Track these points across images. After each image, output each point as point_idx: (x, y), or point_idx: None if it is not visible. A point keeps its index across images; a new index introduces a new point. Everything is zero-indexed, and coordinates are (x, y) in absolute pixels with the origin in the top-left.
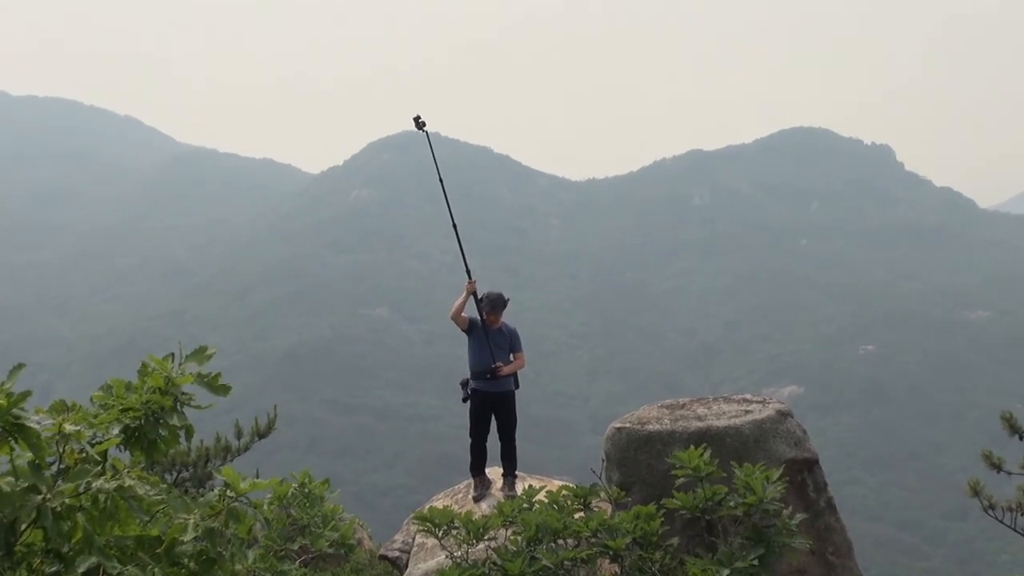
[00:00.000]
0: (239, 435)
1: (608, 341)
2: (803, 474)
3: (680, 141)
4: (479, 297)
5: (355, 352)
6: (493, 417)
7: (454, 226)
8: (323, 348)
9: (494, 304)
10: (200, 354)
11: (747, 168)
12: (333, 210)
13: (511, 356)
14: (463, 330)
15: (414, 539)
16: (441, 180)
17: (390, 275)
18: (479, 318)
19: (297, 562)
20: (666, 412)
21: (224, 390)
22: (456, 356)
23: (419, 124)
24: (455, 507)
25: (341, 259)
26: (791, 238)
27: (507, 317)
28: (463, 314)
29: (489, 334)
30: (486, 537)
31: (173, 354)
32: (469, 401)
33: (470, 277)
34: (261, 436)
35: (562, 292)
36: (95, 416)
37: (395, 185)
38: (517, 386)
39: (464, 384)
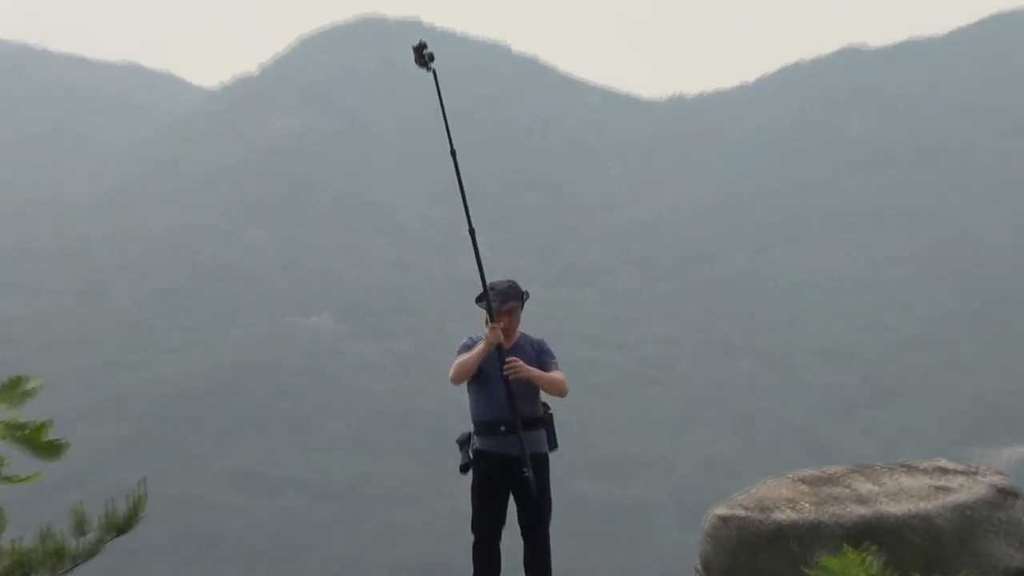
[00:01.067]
0: (81, 529)
1: (705, 369)
2: None
3: (826, 35)
4: (484, 294)
5: (279, 389)
6: (511, 498)
7: (469, 223)
8: (226, 383)
9: (505, 296)
10: (14, 389)
11: (941, 69)
12: (243, 150)
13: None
14: (468, 378)
15: None
16: (452, 148)
17: (338, 261)
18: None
19: None
20: (805, 490)
21: (55, 451)
22: (447, 398)
23: (423, 56)
24: None
25: (256, 234)
26: None
27: (532, 329)
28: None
29: (502, 358)
30: None
31: None
32: (472, 471)
33: (491, 316)
34: (119, 531)
35: (627, 289)
36: None
37: (346, 108)
38: (553, 446)
39: (463, 443)
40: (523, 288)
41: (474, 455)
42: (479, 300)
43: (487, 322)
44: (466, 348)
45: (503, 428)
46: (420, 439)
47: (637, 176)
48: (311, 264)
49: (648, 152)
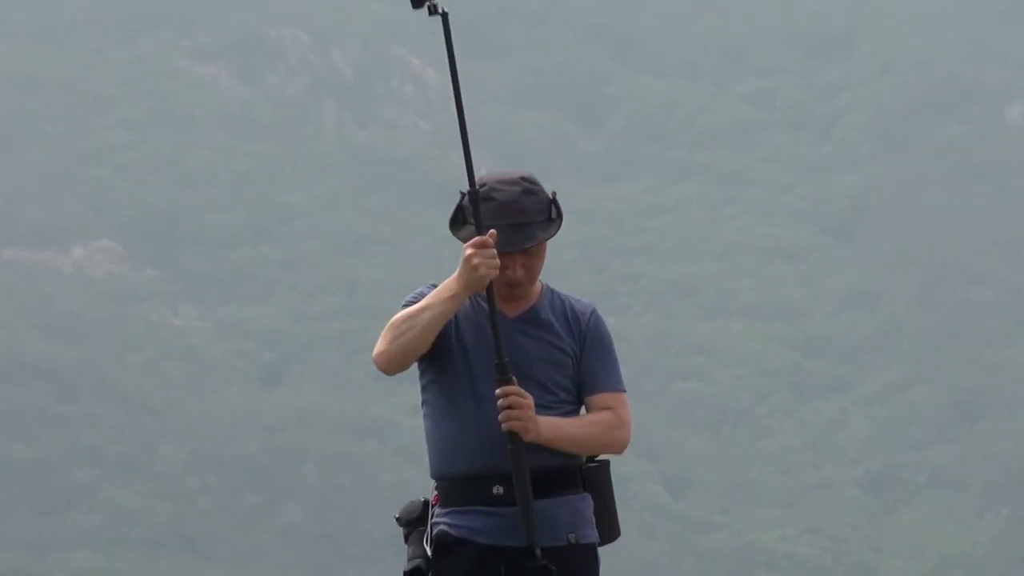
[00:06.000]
0: None
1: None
2: None
3: None
4: (467, 203)
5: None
6: None
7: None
8: None
9: (507, 208)
10: None
11: None
12: None
13: (562, 401)
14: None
15: None
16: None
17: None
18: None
19: None
20: None
21: None
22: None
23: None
24: None
25: None
26: None
27: (566, 278)
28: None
29: (498, 330)
30: None
31: None
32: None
33: (478, 227)
34: None
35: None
36: None
37: None
38: (613, 534)
39: (413, 522)
40: (542, 188)
41: (437, 545)
42: (458, 215)
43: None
44: (413, 302)
45: (499, 490)
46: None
47: None
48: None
49: None
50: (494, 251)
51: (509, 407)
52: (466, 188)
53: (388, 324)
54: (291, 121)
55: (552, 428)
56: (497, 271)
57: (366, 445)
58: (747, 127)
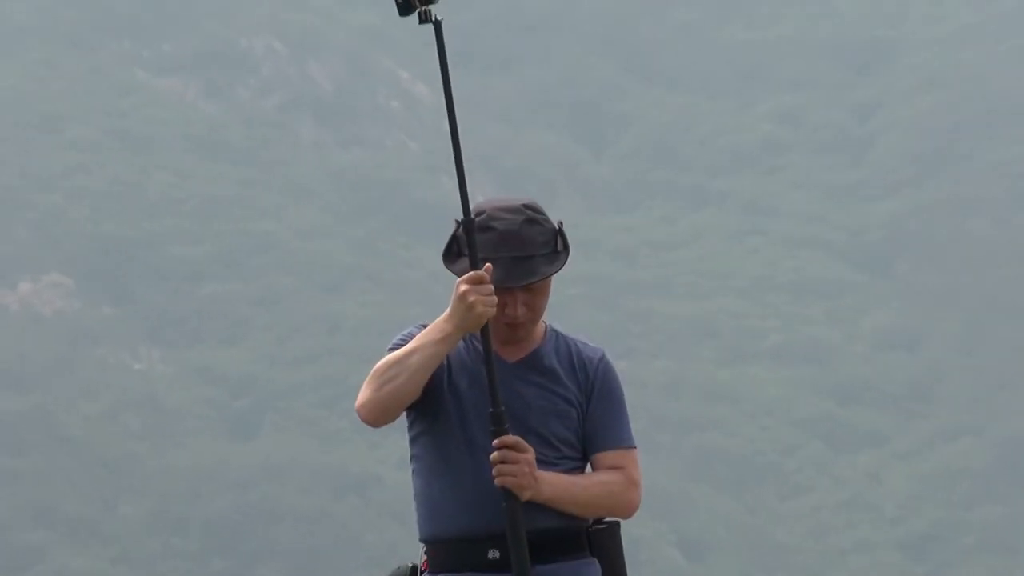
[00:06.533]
0: None
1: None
2: None
3: None
4: (462, 232)
5: None
6: None
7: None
8: None
9: (508, 239)
10: None
11: None
12: None
13: (565, 457)
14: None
15: None
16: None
17: None
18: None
19: None
20: None
21: None
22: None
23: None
24: None
25: None
26: None
27: (571, 317)
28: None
29: (493, 375)
30: None
31: None
32: None
33: (473, 260)
34: None
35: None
36: None
37: None
38: None
39: None
40: (548, 218)
41: None
42: (452, 246)
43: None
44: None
45: (495, 554)
46: None
47: None
48: None
49: None
50: (491, 287)
51: (503, 461)
52: (460, 216)
53: (373, 370)
54: (264, 141)
55: (553, 486)
56: (494, 309)
57: (348, 503)
58: (773, 149)
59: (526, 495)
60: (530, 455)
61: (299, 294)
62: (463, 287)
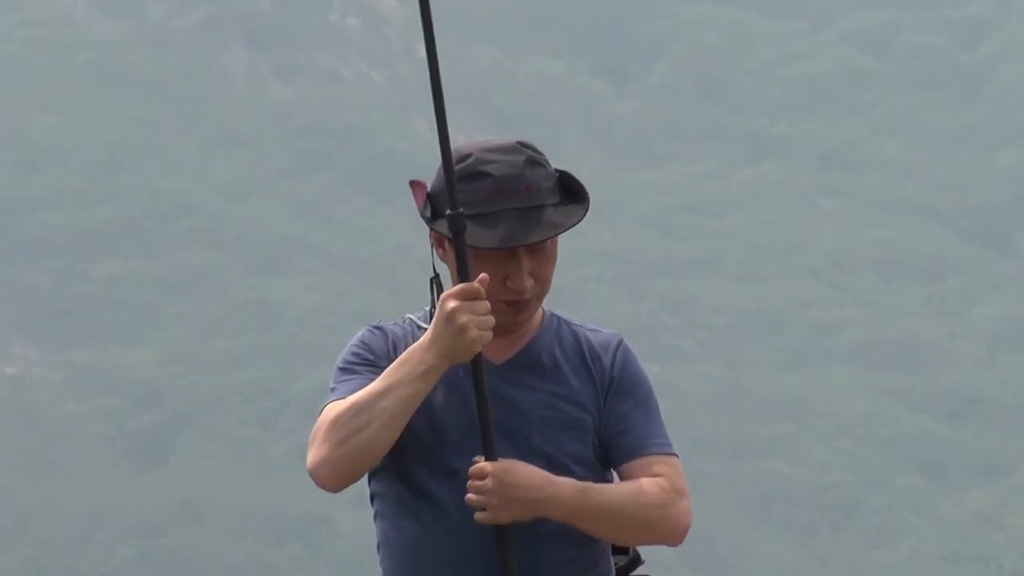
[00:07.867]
0: None
1: None
2: None
3: None
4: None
5: None
6: None
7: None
8: None
9: (509, 184)
10: None
11: None
12: None
13: (579, 478)
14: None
15: None
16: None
17: None
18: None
19: None
20: None
21: None
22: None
23: None
24: None
25: None
26: None
27: (583, 306)
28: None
29: (483, 383)
30: None
31: None
32: None
33: (462, 266)
34: None
35: None
36: None
37: None
38: None
39: None
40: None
41: None
42: (433, 215)
43: (433, 284)
44: (361, 367)
45: None
46: None
47: None
48: None
49: None
50: (487, 304)
51: (472, 491)
52: (435, 171)
53: (327, 416)
54: (181, 71)
55: (560, 496)
56: (491, 334)
57: (288, 552)
58: (854, 81)
59: (502, 517)
60: (499, 466)
61: (224, 274)
62: (451, 304)
